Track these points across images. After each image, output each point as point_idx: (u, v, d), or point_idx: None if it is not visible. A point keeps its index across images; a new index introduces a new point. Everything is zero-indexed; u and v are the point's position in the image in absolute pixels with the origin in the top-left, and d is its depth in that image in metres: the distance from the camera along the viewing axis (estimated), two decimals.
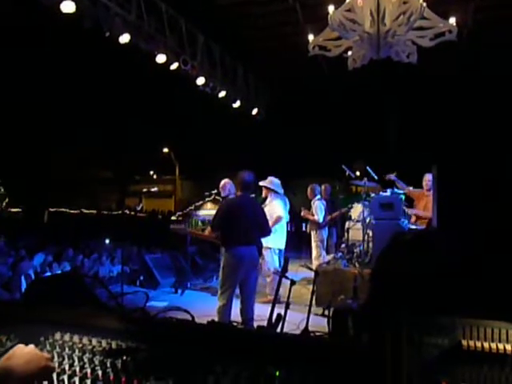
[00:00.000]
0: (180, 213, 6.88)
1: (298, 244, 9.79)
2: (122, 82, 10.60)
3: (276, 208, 5.77)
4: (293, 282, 3.19)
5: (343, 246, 6.61)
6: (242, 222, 4.12)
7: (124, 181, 23.60)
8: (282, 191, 6.00)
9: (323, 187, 7.76)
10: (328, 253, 7.34)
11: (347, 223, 6.83)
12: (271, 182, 5.91)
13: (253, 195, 5.12)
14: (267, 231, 4.40)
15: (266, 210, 5.37)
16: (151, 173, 27.87)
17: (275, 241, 5.77)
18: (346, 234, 6.56)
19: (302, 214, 7.44)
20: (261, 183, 5.85)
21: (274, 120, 11.07)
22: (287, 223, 6.52)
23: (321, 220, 7.09)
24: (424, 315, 0.90)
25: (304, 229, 9.27)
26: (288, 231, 6.83)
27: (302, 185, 8.37)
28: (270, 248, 5.80)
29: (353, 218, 6.64)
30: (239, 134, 13.07)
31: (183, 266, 7.01)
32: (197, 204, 13.85)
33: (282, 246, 5.95)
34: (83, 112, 13.59)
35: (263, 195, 5.92)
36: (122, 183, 23.57)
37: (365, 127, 12.28)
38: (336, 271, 5.50)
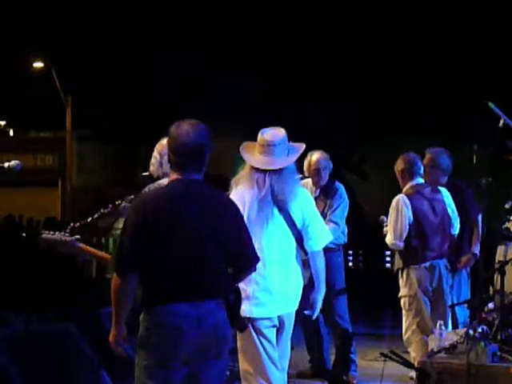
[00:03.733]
0: (76, 224, 6.86)
1: (370, 301, 10.10)
2: None
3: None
4: None
5: (489, 306, 6.93)
6: (179, 245, 4.43)
7: None
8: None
9: (428, 157, 7.97)
10: (450, 324, 7.65)
11: (500, 250, 7.11)
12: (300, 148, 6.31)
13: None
14: (249, 264, 4.80)
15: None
16: (1, 124, 27.93)
17: (257, 300, 5.93)
18: (495, 279, 6.80)
19: (385, 230, 7.78)
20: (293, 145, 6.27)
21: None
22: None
23: (394, 241, 7.58)
24: None
25: (388, 264, 9.42)
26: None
27: (380, 154, 8.39)
28: (248, 319, 5.89)
29: None
30: (219, 36, 13.67)
31: (87, 356, 7.15)
32: (121, 205, 14.57)
33: (259, 312, 5.96)
34: None
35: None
36: None
37: None
38: (473, 371, 5.77)
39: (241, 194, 5.97)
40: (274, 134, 6.15)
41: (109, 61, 21.77)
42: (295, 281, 6.09)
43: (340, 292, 8.19)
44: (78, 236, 6.05)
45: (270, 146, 6.07)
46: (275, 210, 6.00)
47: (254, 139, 6.25)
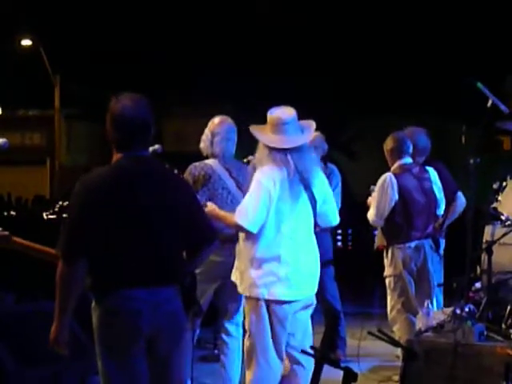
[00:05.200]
0: (64, 203, 6.88)
1: (359, 280, 10.10)
2: None
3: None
4: (350, 376, 3.25)
5: (476, 286, 6.88)
6: (132, 226, 4.25)
7: None
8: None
9: (408, 132, 8.02)
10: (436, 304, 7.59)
11: (488, 229, 7.06)
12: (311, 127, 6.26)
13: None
14: (208, 238, 4.61)
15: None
16: None
17: (263, 278, 5.93)
18: (483, 258, 6.72)
19: (369, 200, 7.90)
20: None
21: None
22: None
23: (375, 218, 7.58)
24: None
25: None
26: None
27: (369, 134, 8.40)
28: (251, 298, 6.00)
29: (504, 215, 6.92)
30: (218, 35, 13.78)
31: (76, 335, 6.77)
32: None
33: (291, 294, 6.00)
34: None
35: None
36: None
37: None
38: (460, 350, 5.74)
39: (270, 172, 5.90)
40: (284, 112, 6.03)
41: (98, 39, 21.65)
42: (317, 260, 6.15)
43: (332, 271, 8.28)
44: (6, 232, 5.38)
45: (283, 124, 5.96)
46: (302, 189, 5.98)
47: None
